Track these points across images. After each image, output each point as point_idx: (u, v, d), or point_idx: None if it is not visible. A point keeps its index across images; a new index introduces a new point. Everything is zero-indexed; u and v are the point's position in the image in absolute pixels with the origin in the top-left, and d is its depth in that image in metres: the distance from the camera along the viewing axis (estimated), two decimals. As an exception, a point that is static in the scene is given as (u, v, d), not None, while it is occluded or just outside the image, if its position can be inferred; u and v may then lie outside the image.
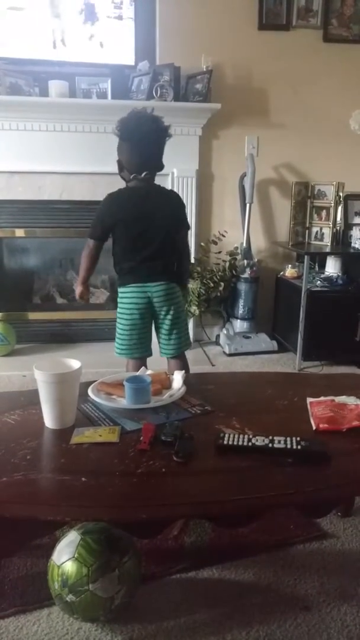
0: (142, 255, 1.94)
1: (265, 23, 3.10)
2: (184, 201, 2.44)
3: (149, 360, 2.06)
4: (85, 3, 2.90)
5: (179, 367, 2.05)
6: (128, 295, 1.99)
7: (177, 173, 3.08)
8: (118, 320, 2.05)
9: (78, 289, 2.11)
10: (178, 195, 2.09)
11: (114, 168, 3.01)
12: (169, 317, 2.02)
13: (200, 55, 3.00)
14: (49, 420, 1.29)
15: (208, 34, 3.05)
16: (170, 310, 2.01)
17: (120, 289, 2.03)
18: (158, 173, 1.99)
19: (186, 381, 1.51)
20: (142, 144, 1.88)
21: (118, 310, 2.04)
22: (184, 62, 3.01)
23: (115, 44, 2.97)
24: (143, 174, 1.91)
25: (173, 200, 2.03)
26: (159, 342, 2.11)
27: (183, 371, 1.57)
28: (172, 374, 1.70)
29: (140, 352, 2.04)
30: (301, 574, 1.42)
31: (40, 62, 2.93)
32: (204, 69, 3.00)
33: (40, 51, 2.91)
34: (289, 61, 3.18)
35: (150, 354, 2.08)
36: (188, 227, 2.08)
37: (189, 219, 2.12)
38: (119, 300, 2.03)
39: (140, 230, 1.93)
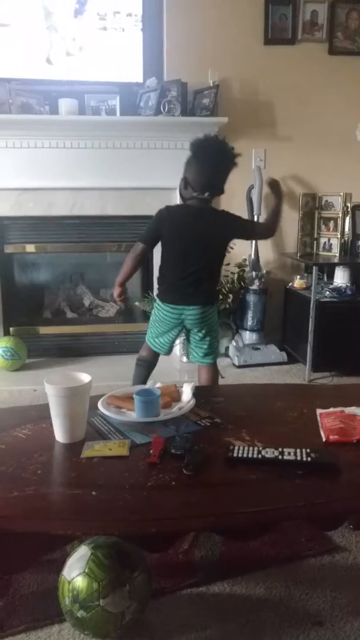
0: (183, 275, 2.00)
1: (270, 38, 3.14)
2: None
3: (162, 365, 2.21)
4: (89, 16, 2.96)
5: (208, 374, 2.18)
6: (162, 312, 2.07)
7: (185, 187, 3.10)
8: (153, 321, 2.13)
9: (116, 290, 2.13)
10: (226, 212, 2.09)
11: (124, 183, 3.11)
12: (200, 334, 2.10)
13: (207, 71, 3.04)
14: (59, 434, 1.30)
15: (214, 50, 3.10)
16: (202, 329, 2.09)
17: (157, 302, 2.10)
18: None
19: (195, 394, 1.52)
20: (213, 167, 1.97)
21: (154, 315, 2.12)
22: (191, 78, 3.05)
23: (123, 61, 3.02)
24: (205, 194, 1.97)
25: (221, 219, 2.05)
26: (192, 351, 2.20)
27: (192, 383, 1.58)
28: (199, 382, 1.91)
29: (163, 350, 2.16)
30: (313, 589, 1.40)
31: (51, 82, 2.99)
32: (211, 84, 3.03)
33: (50, 71, 2.97)
34: (295, 74, 3.21)
35: (169, 354, 2.20)
36: (244, 220, 2.15)
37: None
38: (155, 309, 2.11)
39: (185, 249, 1.99)
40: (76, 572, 1.18)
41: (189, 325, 2.06)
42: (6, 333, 3.25)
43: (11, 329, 3.29)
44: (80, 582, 1.17)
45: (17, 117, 2.89)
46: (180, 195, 2.06)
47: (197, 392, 1.54)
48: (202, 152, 1.96)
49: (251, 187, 3.22)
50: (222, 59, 3.10)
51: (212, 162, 1.96)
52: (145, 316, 2.20)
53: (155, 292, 2.15)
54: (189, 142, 1.99)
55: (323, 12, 3.15)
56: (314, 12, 3.15)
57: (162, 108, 2.97)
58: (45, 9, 2.90)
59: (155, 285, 2.20)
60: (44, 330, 3.36)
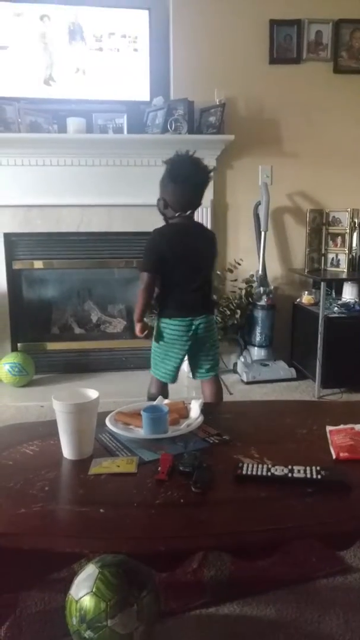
0: (188, 289, 2.04)
1: (276, 57, 3.19)
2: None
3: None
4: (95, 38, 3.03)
5: (214, 388, 2.20)
6: (173, 328, 2.05)
7: (192, 203, 3.13)
8: (158, 347, 2.11)
9: (137, 326, 2.11)
10: (214, 234, 2.23)
11: (130, 199, 3.13)
12: (209, 345, 2.13)
13: (213, 90, 3.08)
14: (67, 451, 1.29)
15: (220, 69, 3.14)
16: (210, 339, 2.12)
17: (164, 320, 2.07)
18: None
19: (204, 410, 1.51)
20: (192, 187, 2.02)
21: (160, 339, 2.08)
22: (198, 97, 3.10)
23: (130, 81, 3.08)
24: (187, 212, 2.04)
25: (212, 240, 2.17)
26: (196, 367, 2.19)
27: (201, 400, 1.57)
28: (206, 396, 1.91)
29: (171, 379, 2.16)
30: (325, 610, 1.37)
31: (59, 101, 3.04)
32: (217, 102, 3.07)
33: (58, 90, 3.03)
34: (301, 92, 3.24)
35: (175, 381, 2.19)
36: (216, 258, 2.23)
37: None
38: (162, 329, 2.07)
39: (186, 265, 2.03)
40: (84, 591, 1.16)
41: (201, 335, 2.07)
42: (14, 349, 3.26)
43: (19, 344, 3.30)
44: (87, 601, 1.15)
45: (26, 135, 2.94)
46: (162, 214, 2.09)
47: (205, 408, 1.53)
48: (178, 174, 1.99)
49: (258, 204, 3.24)
50: (228, 78, 3.14)
51: (189, 183, 2.00)
52: (152, 333, 2.20)
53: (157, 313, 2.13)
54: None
55: (327, 32, 3.20)
56: (318, 32, 3.20)
57: (169, 126, 3.01)
58: (43, 32, 2.97)
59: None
60: (51, 346, 3.37)
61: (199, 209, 3.06)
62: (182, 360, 2.14)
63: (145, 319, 2.09)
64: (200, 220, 3.15)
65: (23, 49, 2.96)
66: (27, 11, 2.93)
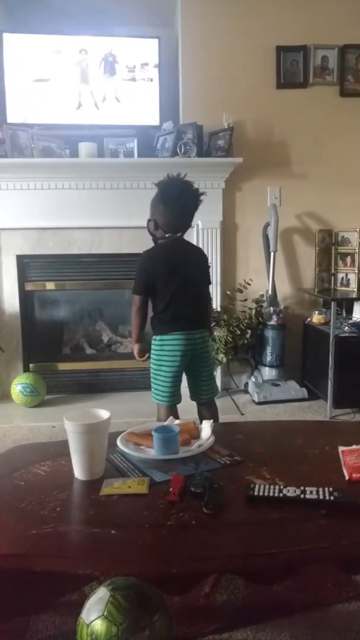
0: (183, 303, 2.03)
1: (283, 82, 3.25)
2: (209, 251, 2.56)
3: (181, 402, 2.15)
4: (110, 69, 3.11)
5: (212, 411, 2.17)
6: (172, 343, 2.02)
7: (201, 225, 3.16)
8: (158, 368, 2.07)
9: (135, 348, 2.17)
10: (204, 252, 2.24)
11: (141, 222, 3.16)
12: (207, 363, 2.12)
13: (221, 114, 3.14)
14: (78, 471, 1.30)
15: (229, 94, 3.21)
16: (208, 356, 2.13)
17: (161, 337, 2.05)
18: None
19: (215, 431, 1.51)
20: (182, 210, 2.05)
21: (157, 359, 2.06)
22: (206, 121, 3.16)
23: (140, 106, 3.16)
24: (177, 234, 2.07)
25: (202, 257, 2.19)
26: (195, 388, 2.15)
27: (212, 421, 1.57)
28: (203, 420, 1.78)
29: (177, 399, 2.11)
30: (341, 637, 1.34)
31: (71, 126, 3.12)
32: (226, 126, 3.13)
33: (70, 116, 3.11)
34: (308, 116, 3.30)
35: (180, 401, 2.14)
36: (210, 282, 2.23)
37: (214, 269, 2.22)
38: (158, 349, 2.05)
39: (178, 282, 2.02)
40: (95, 615, 1.15)
41: (198, 350, 2.05)
42: (26, 369, 3.29)
43: (31, 365, 3.32)
44: (99, 625, 1.13)
45: (39, 160, 3.01)
46: (152, 235, 2.10)
47: (217, 429, 1.53)
48: (170, 197, 2.01)
49: (267, 225, 3.26)
50: (236, 102, 3.21)
51: (181, 206, 2.03)
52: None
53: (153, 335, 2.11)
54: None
55: (333, 57, 3.26)
56: (324, 57, 3.26)
57: (178, 150, 3.06)
58: (56, 62, 3.07)
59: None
60: (63, 366, 3.38)
61: (208, 230, 3.18)
62: (179, 378, 2.09)
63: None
64: (209, 241, 3.21)
65: (39, 78, 3.06)
66: (39, 41, 3.03)
